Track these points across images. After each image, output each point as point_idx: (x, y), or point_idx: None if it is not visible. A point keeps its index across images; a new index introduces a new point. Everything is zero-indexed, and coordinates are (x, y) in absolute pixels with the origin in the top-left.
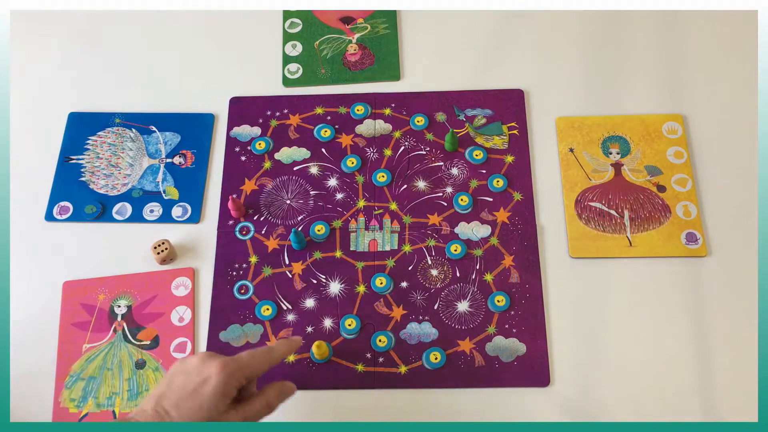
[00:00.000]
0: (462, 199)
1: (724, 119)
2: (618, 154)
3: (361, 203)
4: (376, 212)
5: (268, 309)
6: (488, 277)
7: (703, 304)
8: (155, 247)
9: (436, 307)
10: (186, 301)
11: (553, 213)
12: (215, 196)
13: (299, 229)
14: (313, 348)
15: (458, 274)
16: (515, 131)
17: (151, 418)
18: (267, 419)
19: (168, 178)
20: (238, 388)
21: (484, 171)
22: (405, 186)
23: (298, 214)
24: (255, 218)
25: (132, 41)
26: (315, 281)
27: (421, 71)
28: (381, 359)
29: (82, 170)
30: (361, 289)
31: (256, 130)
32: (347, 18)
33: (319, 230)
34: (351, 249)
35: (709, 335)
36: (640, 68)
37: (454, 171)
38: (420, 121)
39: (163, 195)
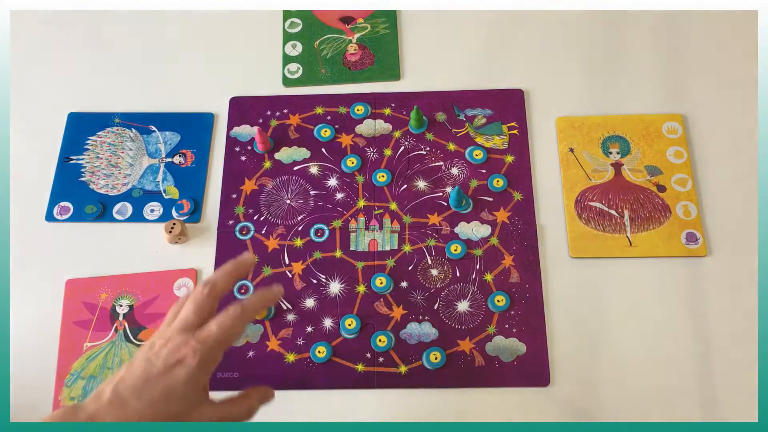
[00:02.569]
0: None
1: (724, 119)
2: (618, 154)
3: (361, 203)
4: (376, 212)
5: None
6: (488, 277)
7: (703, 304)
8: (168, 229)
9: (436, 307)
10: None
11: (553, 213)
12: (215, 195)
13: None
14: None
15: (458, 274)
16: (515, 131)
17: (107, 405)
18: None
19: (168, 177)
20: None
21: (484, 171)
22: (405, 186)
23: (298, 214)
24: (255, 218)
25: (132, 41)
26: (315, 281)
27: (421, 71)
28: (381, 359)
29: (82, 170)
30: (361, 289)
31: (256, 130)
32: (347, 18)
33: (318, 230)
34: (351, 249)
35: (709, 335)
36: (640, 68)
37: (454, 171)
38: None
39: (164, 194)
